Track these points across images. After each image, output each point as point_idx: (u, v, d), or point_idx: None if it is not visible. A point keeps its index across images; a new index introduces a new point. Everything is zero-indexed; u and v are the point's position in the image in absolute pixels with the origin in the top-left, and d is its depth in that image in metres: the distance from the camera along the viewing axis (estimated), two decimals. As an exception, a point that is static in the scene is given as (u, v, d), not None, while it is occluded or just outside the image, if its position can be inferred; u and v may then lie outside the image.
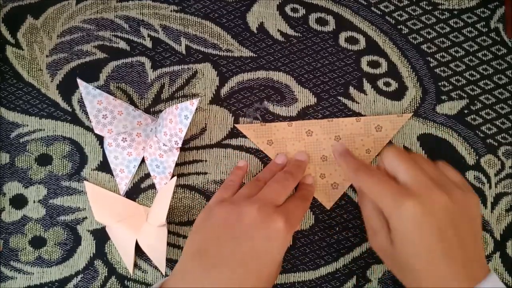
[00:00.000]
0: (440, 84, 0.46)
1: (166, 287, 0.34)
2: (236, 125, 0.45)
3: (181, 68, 0.46)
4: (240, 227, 0.35)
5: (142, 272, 0.44)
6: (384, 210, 0.34)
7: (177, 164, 0.44)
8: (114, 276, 0.44)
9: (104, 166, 0.45)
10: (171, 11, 0.46)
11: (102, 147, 0.45)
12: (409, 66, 0.46)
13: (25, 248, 0.44)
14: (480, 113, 0.46)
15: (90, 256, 0.44)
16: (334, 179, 0.44)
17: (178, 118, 0.40)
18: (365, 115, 0.45)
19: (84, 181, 0.44)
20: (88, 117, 0.44)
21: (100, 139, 0.45)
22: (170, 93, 0.45)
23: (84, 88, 0.42)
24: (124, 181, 0.44)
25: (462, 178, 0.37)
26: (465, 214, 0.34)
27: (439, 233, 0.33)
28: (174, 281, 0.34)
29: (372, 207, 0.37)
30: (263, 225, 0.34)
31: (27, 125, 0.45)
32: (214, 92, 0.46)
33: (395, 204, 0.33)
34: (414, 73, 0.46)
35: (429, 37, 0.46)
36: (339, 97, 0.46)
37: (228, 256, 0.34)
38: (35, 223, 0.44)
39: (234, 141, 0.45)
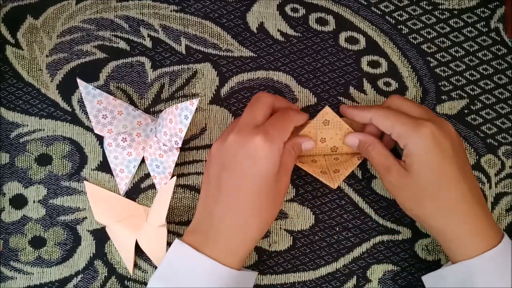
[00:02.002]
0: (440, 84, 0.46)
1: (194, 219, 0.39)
2: None
3: (181, 68, 0.46)
4: (227, 156, 0.36)
5: (142, 272, 0.44)
6: (400, 136, 0.37)
7: (177, 164, 0.44)
8: (114, 276, 0.44)
9: (104, 166, 0.45)
10: (171, 11, 0.46)
11: (102, 147, 0.45)
12: (409, 66, 0.46)
13: (25, 248, 0.44)
14: (480, 113, 0.46)
15: (90, 256, 0.44)
16: (335, 166, 0.43)
17: (178, 118, 0.40)
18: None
19: (84, 181, 0.44)
20: (88, 117, 0.44)
21: (100, 139, 0.45)
22: (170, 93, 0.45)
23: (84, 88, 0.42)
24: (124, 181, 0.44)
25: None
26: (462, 145, 0.38)
27: (454, 156, 0.36)
28: (197, 212, 0.39)
29: (380, 150, 0.39)
30: (243, 145, 0.36)
31: (27, 125, 0.45)
32: (214, 92, 0.46)
33: (414, 128, 0.36)
34: (414, 73, 0.46)
35: (429, 37, 0.46)
36: (339, 97, 0.46)
37: (223, 185, 0.36)
38: (35, 223, 0.44)
39: (234, 141, 0.45)
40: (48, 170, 0.45)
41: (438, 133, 0.36)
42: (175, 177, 0.42)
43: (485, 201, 0.38)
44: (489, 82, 0.46)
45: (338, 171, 0.42)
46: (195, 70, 0.46)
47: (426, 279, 0.40)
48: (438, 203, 0.36)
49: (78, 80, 0.42)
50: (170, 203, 0.43)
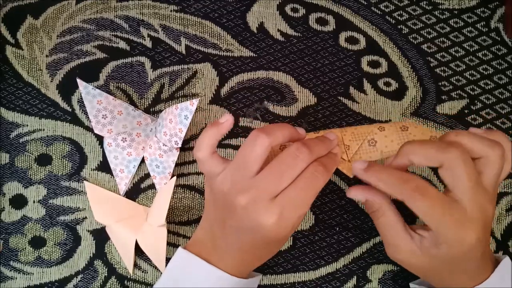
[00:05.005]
0: (440, 84, 0.46)
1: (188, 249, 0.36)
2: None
3: (181, 68, 0.46)
4: (232, 212, 0.32)
5: (142, 272, 0.44)
6: (439, 233, 0.31)
7: (177, 164, 0.44)
8: (114, 276, 0.44)
9: (104, 166, 0.45)
10: (171, 11, 0.46)
11: (102, 147, 0.45)
12: (409, 66, 0.46)
13: (25, 248, 0.44)
14: (481, 113, 0.46)
15: (90, 256, 0.44)
16: (348, 140, 0.38)
17: (178, 118, 0.40)
18: (365, 115, 0.45)
19: (84, 181, 0.44)
20: (88, 117, 0.44)
21: (100, 139, 0.45)
22: (170, 93, 0.45)
23: (84, 88, 0.42)
24: (124, 181, 0.44)
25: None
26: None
27: (484, 249, 0.33)
28: (202, 227, 0.37)
29: (393, 224, 0.33)
30: (252, 219, 0.31)
31: (27, 125, 0.45)
32: (214, 92, 0.46)
33: (457, 233, 0.31)
34: (414, 73, 0.46)
35: (429, 37, 0.46)
36: (339, 97, 0.46)
37: (226, 230, 0.34)
38: (35, 223, 0.44)
39: (234, 141, 0.45)
40: (48, 170, 0.45)
41: (478, 239, 0.31)
42: (175, 177, 0.42)
43: (492, 255, 0.36)
44: (489, 82, 0.46)
45: (348, 148, 0.38)
46: (195, 70, 0.46)
47: (412, 285, 0.40)
48: (447, 281, 0.35)
49: (78, 80, 0.42)
50: (170, 203, 0.42)
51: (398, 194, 0.31)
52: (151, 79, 0.45)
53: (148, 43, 0.46)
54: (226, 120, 0.34)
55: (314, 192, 0.32)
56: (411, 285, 0.41)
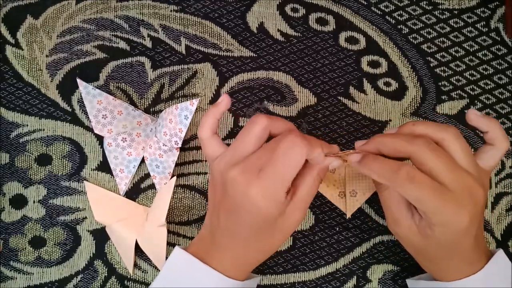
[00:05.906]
0: (440, 84, 0.46)
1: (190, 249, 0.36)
2: None
3: (181, 68, 0.46)
4: (228, 189, 0.33)
5: (142, 272, 0.44)
6: (431, 217, 0.32)
7: (177, 164, 0.44)
8: (114, 276, 0.44)
9: (104, 166, 0.45)
10: (171, 11, 0.46)
11: (102, 147, 0.45)
12: (409, 66, 0.46)
13: (25, 248, 0.44)
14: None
15: (90, 256, 0.44)
16: (352, 187, 0.42)
17: (178, 118, 0.40)
18: (365, 115, 0.45)
19: (84, 181, 0.44)
20: (88, 117, 0.44)
21: (100, 139, 0.45)
22: (170, 93, 0.45)
23: (84, 88, 0.42)
24: (124, 181, 0.44)
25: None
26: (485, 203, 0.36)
27: (476, 235, 0.34)
28: (204, 224, 0.37)
29: (397, 198, 0.34)
30: (242, 191, 0.32)
31: (27, 125, 0.45)
32: (214, 92, 0.46)
33: (449, 215, 0.32)
34: (414, 73, 0.46)
35: (429, 37, 0.46)
36: (339, 97, 0.46)
37: (221, 216, 0.34)
38: (35, 223, 0.44)
39: (234, 141, 0.45)
40: (48, 170, 0.45)
41: (470, 221, 0.32)
42: (175, 177, 0.42)
43: (487, 247, 0.37)
44: (489, 82, 0.46)
45: (355, 195, 0.41)
46: (195, 70, 0.46)
47: (409, 282, 0.41)
48: (441, 265, 0.35)
49: (78, 80, 0.42)
50: (170, 203, 0.43)
51: (390, 184, 0.32)
52: (151, 79, 0.46)
53: (148, 43, 0.46)
54: (223, 100, 0.36)
55: (289, 161, 0.32)
56: (408, 281, 0.41)
